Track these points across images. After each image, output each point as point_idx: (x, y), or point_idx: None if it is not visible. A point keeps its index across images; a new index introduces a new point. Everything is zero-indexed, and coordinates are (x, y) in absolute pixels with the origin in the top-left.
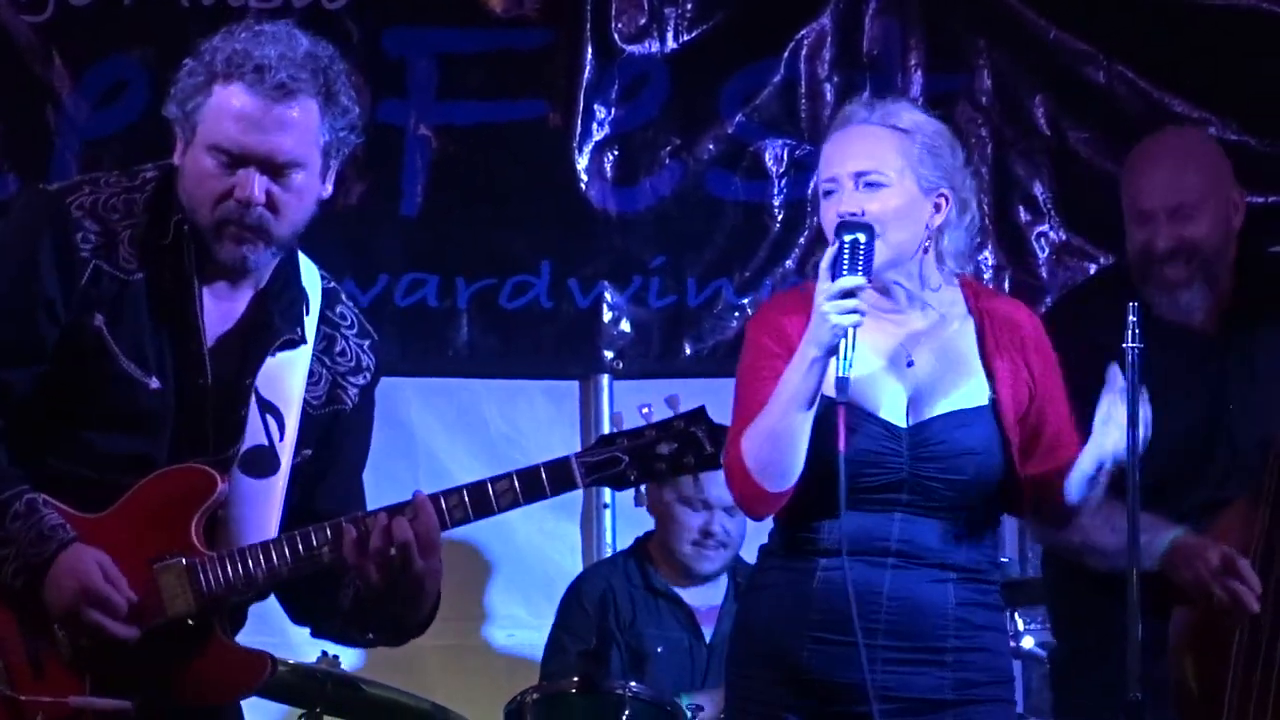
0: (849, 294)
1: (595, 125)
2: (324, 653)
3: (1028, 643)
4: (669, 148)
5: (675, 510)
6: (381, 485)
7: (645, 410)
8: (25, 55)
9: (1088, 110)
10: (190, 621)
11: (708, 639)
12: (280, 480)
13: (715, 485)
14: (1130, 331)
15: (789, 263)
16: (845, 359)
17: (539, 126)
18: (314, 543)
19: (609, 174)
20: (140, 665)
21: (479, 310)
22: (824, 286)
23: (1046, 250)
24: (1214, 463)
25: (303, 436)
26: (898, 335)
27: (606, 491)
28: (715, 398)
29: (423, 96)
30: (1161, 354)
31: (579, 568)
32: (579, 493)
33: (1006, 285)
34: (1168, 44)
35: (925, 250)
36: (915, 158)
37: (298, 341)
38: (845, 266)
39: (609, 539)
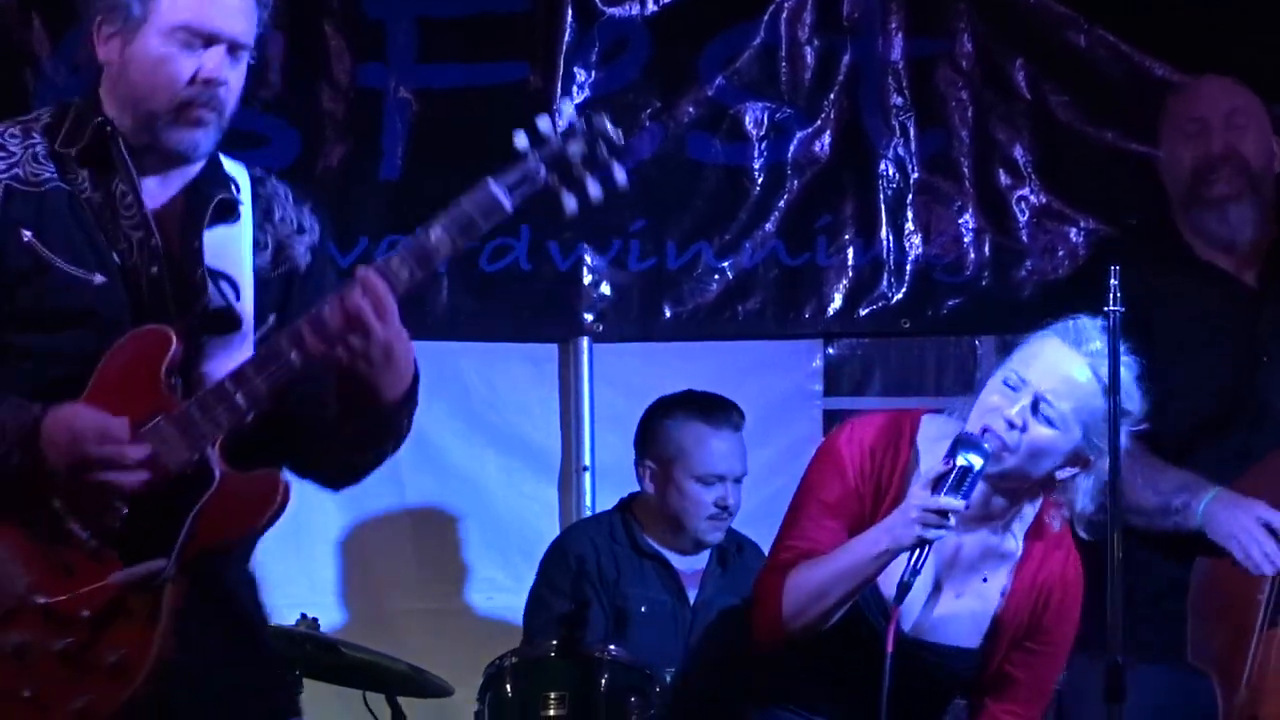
0: (944, 513)
1: (575, 88)
2: (303, 614)
3: None
4: (649, 110)
5: (689, 488)
6: None
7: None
8: (4, 18)
9: (1068, 74)
10: (189, 471)
11: (691, 601)
12: (246, 339)
13: (725, 459)
14: (1112, 295)
15: (768, 226)
16: (916, 569)
17: (519, 89)
18: (277, 348)
19: None
20: (160, 528)
21: (458, 273)
22: (924, 494)
23: (1026, 213)
24: (1245, 412)
25: (261, 302)
26: (954, 544)
27: (585, 453)
28: (695, 361)
29: (403, 60)
30: (1198, 299)
31: (557, 530)
32: (557, 455)
33: (987, 249)
34: (1149, 8)
35: (1035, 490)
36: (1096, 423)
37: (233, 208)
38: (949, 487)
39: (588, 501)
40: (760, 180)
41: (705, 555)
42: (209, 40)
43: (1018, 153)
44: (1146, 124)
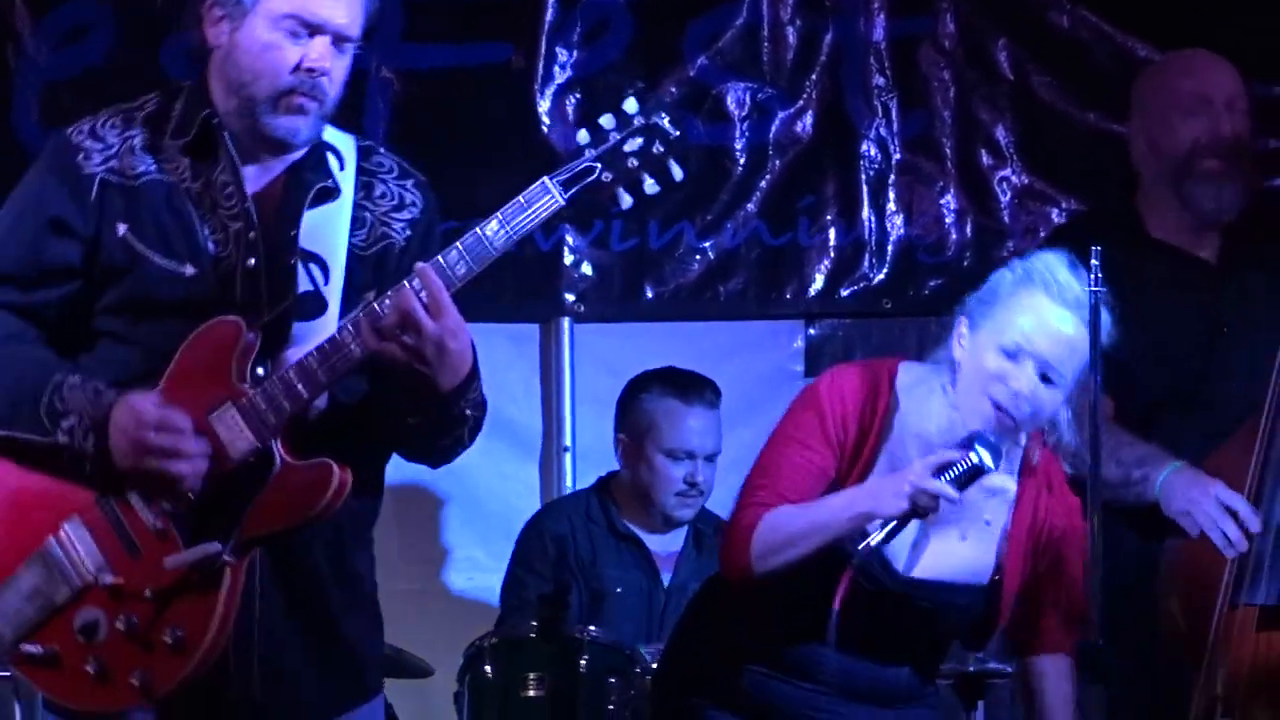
0: (936, 498)
1: (558, 68)
2: None
3: None
4: (631, 91)
5: (659, 462)
6: None
7: None
8: None
9: (1051, 54)
10: (254, 458)
11: (665, 583)
12: (329, 321)
13: (697, 435)
14: (1093, 276)
15: (750, 206)
16: (889, 537)
17: (502, 70)
18: (340, 340)
19: (571, 117)
20: (223, 512)
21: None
22: (924, 474)
23: (1008, 194)
24: (1206, 387)
25: (353, 279)
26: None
27: (566, 433)
28: (677, 341)
29: (386, 39)
30: (1158, 277)
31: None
32: (539, 435)
33: (969, 229)
34: None
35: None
36: (1084, 368)
37: (334, 192)
38: (953, 476)
39: (568, 482)
40: (742, 160)
41: (681, 537)
42: (315, 30)
43: (1000, 133)
44: (1129, 105)
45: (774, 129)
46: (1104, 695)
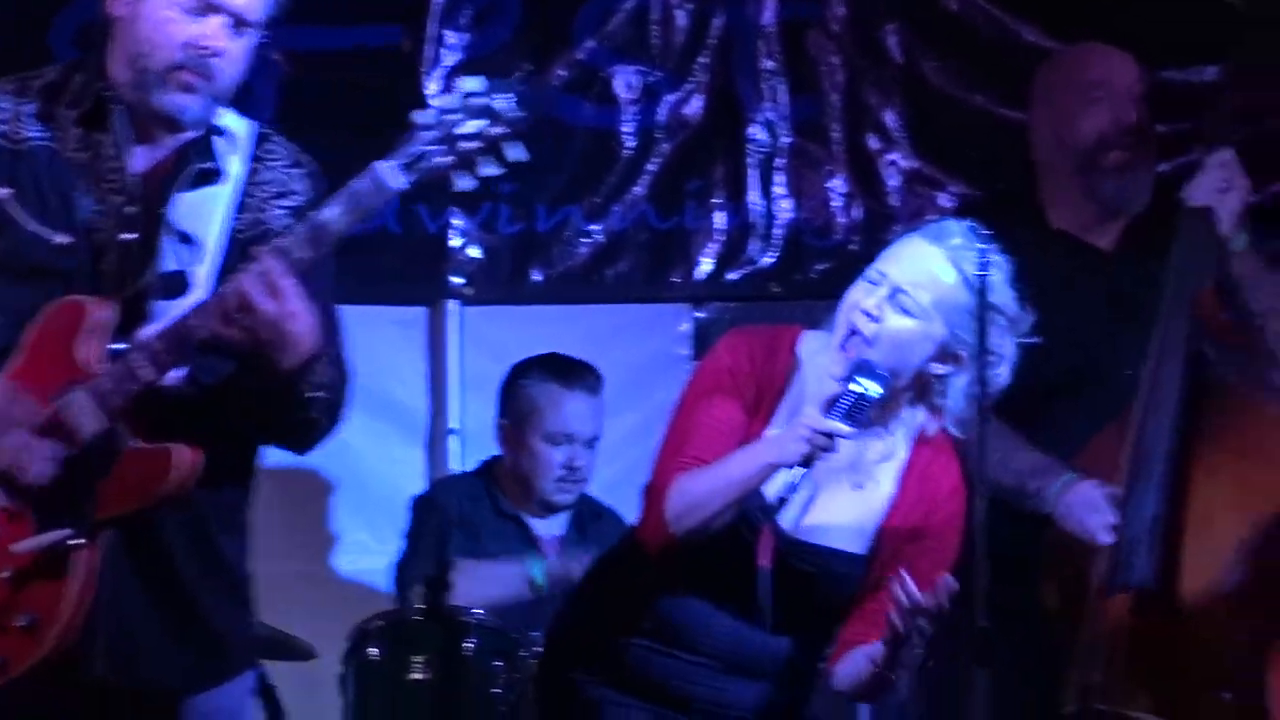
0: (832, 436)
1: (446, 50)
2: None
3: None
4: (520, 73)
5: (538, 447)
6: None
7: None
8: None
9: (940, 39)
10: (103, 440)
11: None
12: (192, 302)
13: (576, 419)
14: (981, 261)
15: (638, 189)
16: (796, 487)
17: (390, 52)
18: (185, 320)
19: None
20: (74, 494)
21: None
22: (814, 416)
23: (897, 178)
24: (1098, 372)
25: (228, 263)
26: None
27: (453, 416)
28: (564, 324)
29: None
30: (1052, 264)
31: None
32: (425, 418)
33: (857, 213)
34: None
35: (912, 389)
36: (960, 317)
37: (216, 174)
38: (845, 412)
39: (455, 465)
40: (631, 144)
41: (564, 521)
42: (213, 8)
43: (888, 117)
44: (1018, 89)
45: (662, 112)
46: (987, 679)
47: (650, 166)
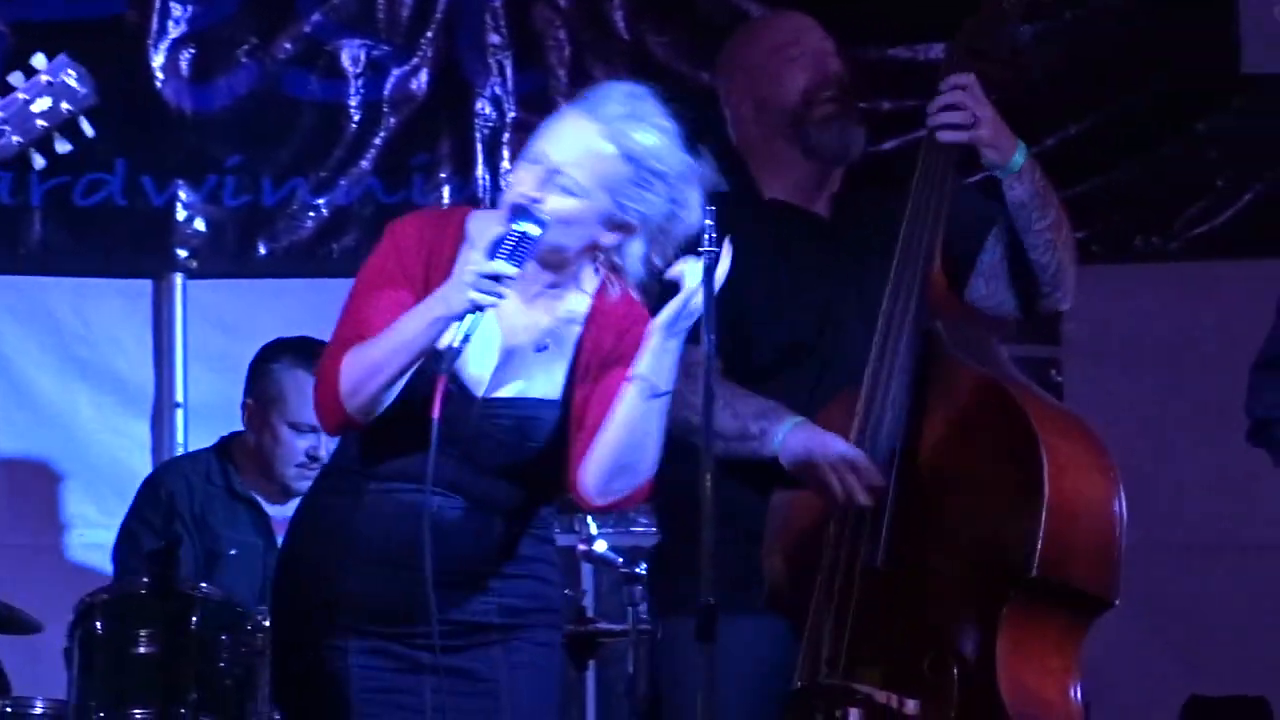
0: (495, 278)
1: (171, 23)
2: None
3: (600, 546)
4: (246, 46)
5: (283, 433)
6: None
7: None
8: None
9: (667, 15)
10: None
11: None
12: None
13: None
14: (706, 237)
15: (364, 163)
16: (465, 334)
17: (115, 24)
18: None
19: (185, 72)
20: None
21: (53, 207)
22: (477, 259)
23: None
24: (822, 338)
25: None
26: (516, 305)
27: (179, 389)
28: (290, 298)
29: None
30: (773, 232)
31: (149, 467)
32: (150, 392)
33: None
34: None
35: (591, 259)
36: (623, 184)
37: None
38: (505, 252)
39: (180, 438)
40: (357, 118)
41: (297, 501)
42: None
43: None
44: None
45: (389, 86)
46: (712, 653)
47: (377, 141)
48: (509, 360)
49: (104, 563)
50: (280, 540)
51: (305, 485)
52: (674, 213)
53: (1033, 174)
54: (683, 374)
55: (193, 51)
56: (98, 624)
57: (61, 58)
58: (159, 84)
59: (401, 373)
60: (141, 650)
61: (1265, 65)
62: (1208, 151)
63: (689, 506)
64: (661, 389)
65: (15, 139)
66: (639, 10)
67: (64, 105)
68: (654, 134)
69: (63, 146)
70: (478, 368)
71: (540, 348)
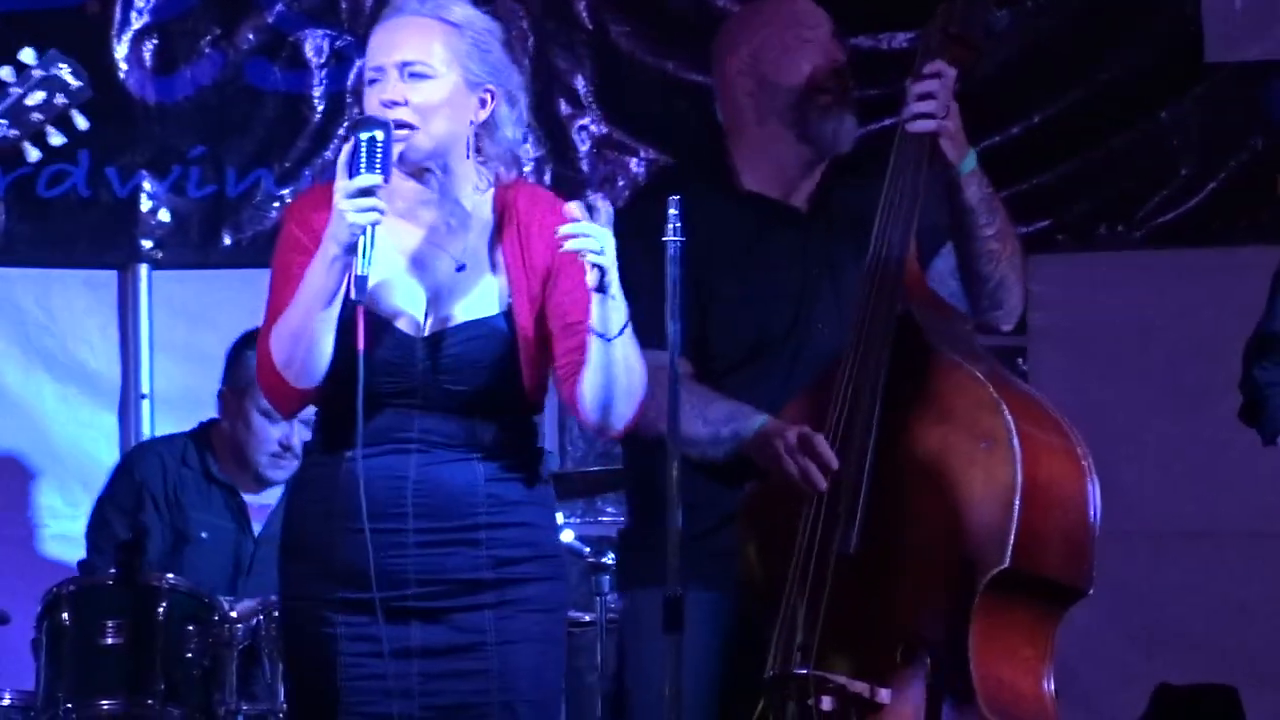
0: (366, 192)
1: (135, 14)
2: None
3: (567, 536)
4: (209, 37)
5: (255, 421)
6: None
7: None
8: None
9: (630, 3)
10: None
11: (256, 533)
12: None
13: None
14: (671, 226)
15: (328, 154)
16: (364, 257)
17: (77, 15)
18: None
19: (148, 63)
20: None
21: (16, 199)
22: (341, 184)
23: (588, 143)
24: (796, 328)
25: None
26: (424, 236)
27: (144, 381)
28: (255, 289)
29: None
30: (748, 223)
31: (116, 457)
32: (116, 382)
33: (548, 178)
34: None
35: (469, 149)
36: (463, 52)
37: None
38: (363, 164)
39: (146, 429)
40: (320, 108)
41: (278, 492)
42: None
43: (579, 82)
44: (708, 55)
45: (352, 77)
46: (679, 644)
47: (340, 131)
48: (436, 294)
49: (71, 554)
50: (256, 527)
51: (279, 475)
52: (512, 67)
53: (981, 179)
54: (652, 379)
55: (155, 42)
56: (65, 615)
57: (53, 52)
58: (122, 75)
59: (322, 329)
60: (109, 641)
61: (1227, 54)
62: (1171, 140)
63: (657, 493)
64: (614, 333)
65: (12, 133)
66: (602, 0)
67: (58, 99)
68: (463, 5)
69: (56, 139)
70: (409, 307)
71: (460, 267)
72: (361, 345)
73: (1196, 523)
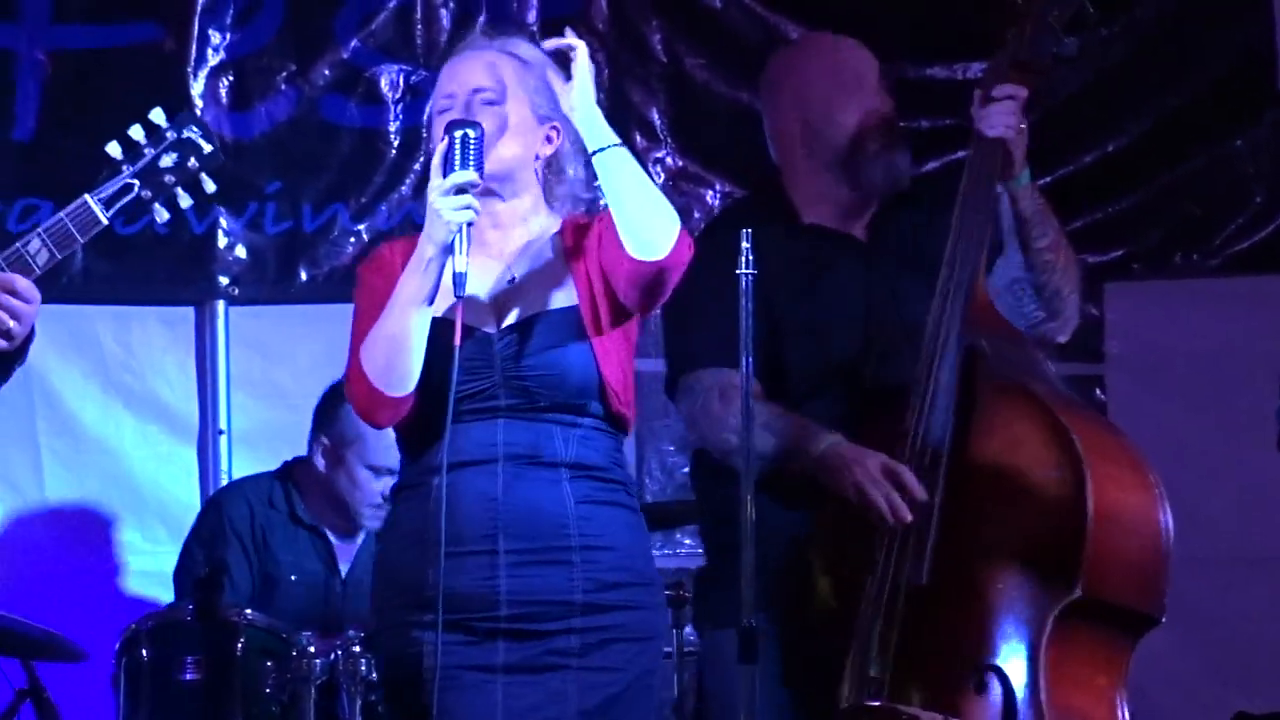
0: (461, 190)
1: (210, 50)
2: None
3: None
4: (284, 73)
5: (360, 475)
6: None
7: None
8: None
9: (703, 36)
10: None
11: (344, 574)
12: None
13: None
14: (744, 259)
15: (404, 188)
16: (462, 254)
17: (153, 51)
18: None
19: (224, 99)
20: None
21: (94, 236)
22: (436, 183)
23: (662, 176)
24: (860, 365)
25: None
26: (495, 249)
27: (222, 416)
28: (332, 324)
29: (36, 20)
30: (812, 254)
31: (195, 494)
32: (194, 418)
33: None
34: None
35: (537, 180)
36: (531, 87)
37: None
38: (457, 162)
39: (224, 465)
40: (396, 143)
41: (362, 531)
42: None
43: (654, 115)
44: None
45: (428, 111)
46: (755, 675)
47: (416, 166)
48: (506, 299)
49: (151, 590)
50: (344, 569)
51: (377, 524)
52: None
53: (1034, 192)
54: (719, 397)
55: (231, 79)
56: (143, 651)
57: (184, 114)
58: (198, 111)
59: (418, 330)
60: (187, 677)
61: None
62: (1245, 166)
63: (730, 528)
64: (606, 144)
65: (145, 193)
66: (676, 32)
67: (191, 162)
68: (531, 46)
69: (184, 200)
70: (482, 313)
71: (519, 279)
72: (459, 340)
73: (1272, 549)
